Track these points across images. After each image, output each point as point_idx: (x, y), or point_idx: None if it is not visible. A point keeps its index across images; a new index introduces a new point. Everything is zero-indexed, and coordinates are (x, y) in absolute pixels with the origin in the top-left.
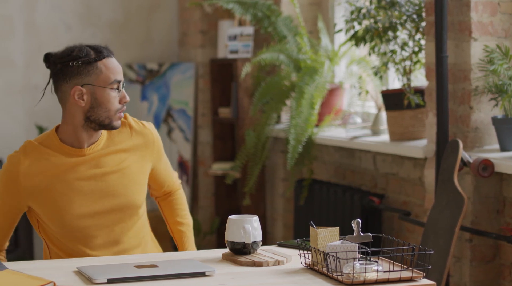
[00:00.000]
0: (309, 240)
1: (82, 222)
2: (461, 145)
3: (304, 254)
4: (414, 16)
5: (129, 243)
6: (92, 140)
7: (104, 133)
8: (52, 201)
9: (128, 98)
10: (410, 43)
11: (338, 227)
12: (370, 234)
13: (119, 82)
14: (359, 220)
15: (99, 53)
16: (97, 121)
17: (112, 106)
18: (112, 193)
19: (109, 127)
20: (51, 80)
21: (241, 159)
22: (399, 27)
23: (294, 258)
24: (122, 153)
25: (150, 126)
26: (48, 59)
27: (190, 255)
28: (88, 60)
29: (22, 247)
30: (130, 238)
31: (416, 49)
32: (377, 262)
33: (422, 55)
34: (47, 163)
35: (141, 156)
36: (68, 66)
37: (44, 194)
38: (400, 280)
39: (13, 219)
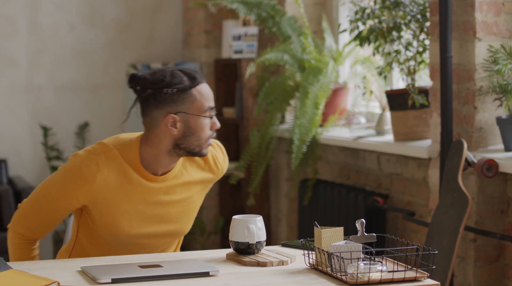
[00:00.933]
0: (313, 240)
1: (133, 240)
2: (465, 145)
3: (308, 254)
4: (419, 16)
5: None
6: (169, 167)
7: (180, 161)
8: (113, 215)
9: (218, 125)
10: (415, 43)
11: (342, 227)
12: (374, 234)
13: (212, 109)
14: (363, 220)
15: (193, 79)
16: (187, 149)
17: (204, 134)
18: (171, 220)
19: (198, 154)
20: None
21: (246, 159)
22: (403, 27)
23: (298, 258)
24: (191, 185)
25: (224, 165)
26: (137, 81)
27: (194, 255)
28: (183, 88)
29: None
30: None
31: (421, 49)
32: (381, 262)
33: (426, 55)
34: (123, 180)
35: (204, 187)
36: (162, 93)
37: (109, 206)
38: (404, 280)
39: (65, 215)
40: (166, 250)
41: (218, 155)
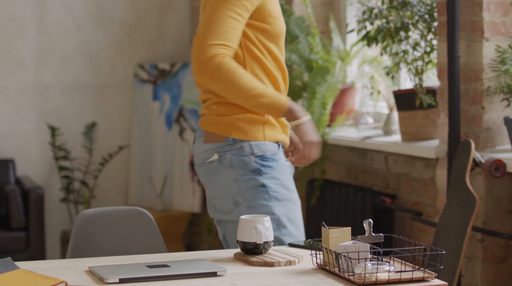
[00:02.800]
0: (320, 240)
1: (282, 38)
2: (473, 145)
3: (316, 254)
4: (426, 16)
5: None
6: None
7: None
8: (278, 11)
9: None
10: (422, 43)
11: (350, 227)
12: (381, 234)
13: None
14: (370, 220)
15: None
16: None
17: None
18: None
19: None
20: None
21: None
22: (411, 27)
23: (306, 258)
24: None
25: None
26: None
27: (202, 255)
28: None
29: (34, 247)
30: None
31: (428, 49)
32: (389, 262)
33: (434, 55)
34: None
35: None
36: None
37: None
38: (411, 281)
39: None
40: None
41: None
